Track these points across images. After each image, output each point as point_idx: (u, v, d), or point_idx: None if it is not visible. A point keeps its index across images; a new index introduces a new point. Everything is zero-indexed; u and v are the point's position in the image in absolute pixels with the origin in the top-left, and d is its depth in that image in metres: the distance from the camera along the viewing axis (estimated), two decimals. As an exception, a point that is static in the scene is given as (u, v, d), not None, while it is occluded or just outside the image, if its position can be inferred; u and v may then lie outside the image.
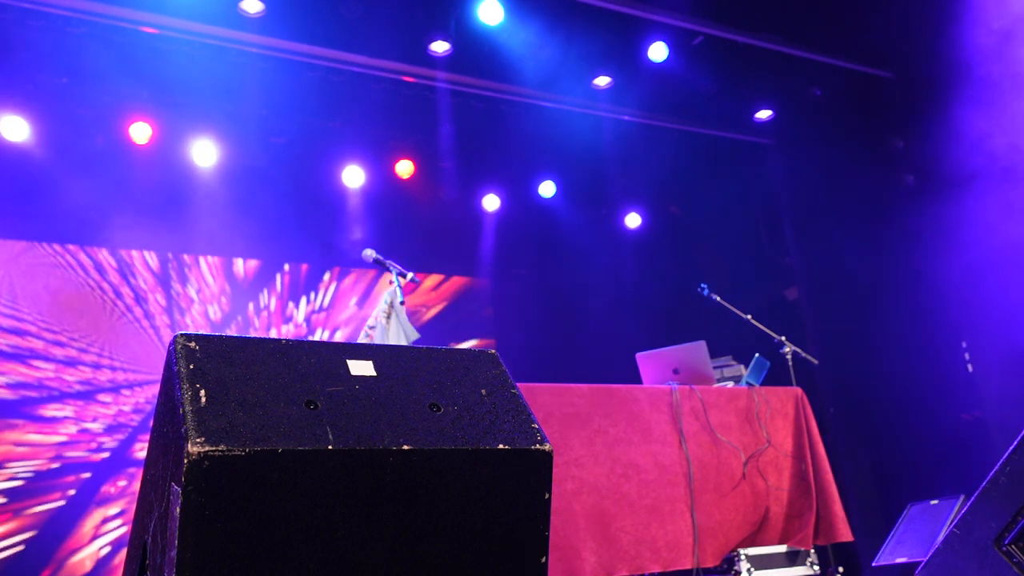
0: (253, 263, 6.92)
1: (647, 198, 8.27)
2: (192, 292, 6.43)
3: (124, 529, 5.58)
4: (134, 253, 6.35)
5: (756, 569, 4.31)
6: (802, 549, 4.50)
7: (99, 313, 5.98)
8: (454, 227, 7.90)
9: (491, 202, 7.93)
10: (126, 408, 5.90)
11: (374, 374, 1.85)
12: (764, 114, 7.45)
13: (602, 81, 6.87)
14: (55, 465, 5.52)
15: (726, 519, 4.38)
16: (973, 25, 5.97)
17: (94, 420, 5.71)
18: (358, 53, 6.35)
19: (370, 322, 4.36)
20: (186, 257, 6.48)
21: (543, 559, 1.85)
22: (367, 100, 6.70)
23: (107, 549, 5.55)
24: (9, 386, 5.52)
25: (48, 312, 5.78)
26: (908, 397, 6.39)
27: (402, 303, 4.30)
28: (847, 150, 6.92)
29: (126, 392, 5.91)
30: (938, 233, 6.48)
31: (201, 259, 6.50)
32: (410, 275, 4.41)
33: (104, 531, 5.56)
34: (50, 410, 5.60)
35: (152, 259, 6.38)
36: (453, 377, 1.94)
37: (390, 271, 4.42)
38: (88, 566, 5.48)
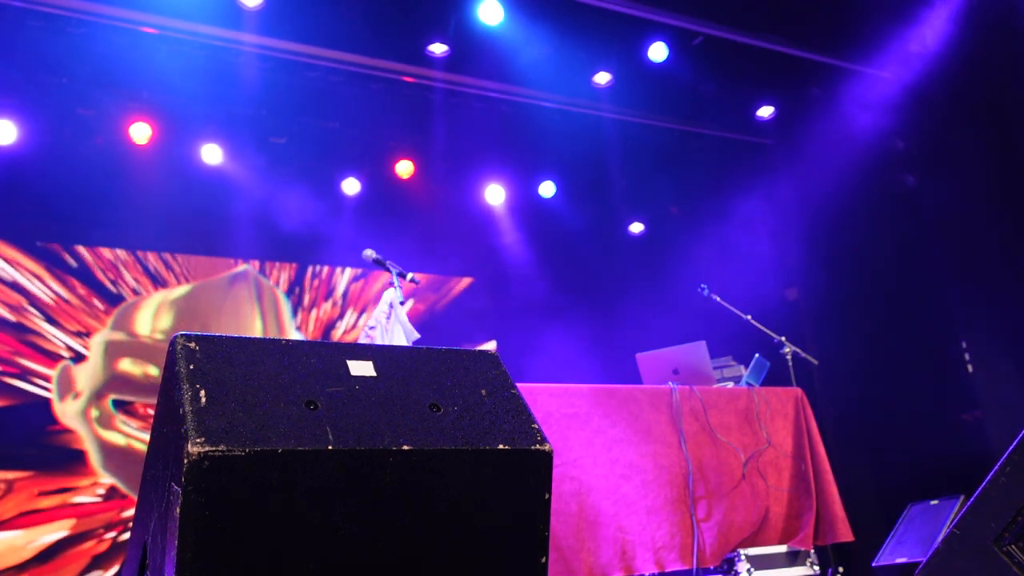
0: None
1: (647, 198, 8.27)
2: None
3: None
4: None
5: (756, 569, 4.31)
6: (802, 549, 4.50)
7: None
8: (454, 227, 7.89)
9: (491, 202, 7.92)
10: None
11: (374, 374, 1.85)
12: (764, 113, 7.45)
13: (602, 81, 6.86)
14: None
15: (726, 519, 4.37)
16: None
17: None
18: (357, 53, 6.34)
19: (370, 322, 4.35)
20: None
21: (543, 559, 1.85)
22: (367, 100, 6.70)
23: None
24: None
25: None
26: (908, 397, 6.38)
27: (402, 303, 4.30)
28: (847, 150, 6.92)
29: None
30: (938, 233, 6.49)
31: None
32: (410, 275, 4.40)
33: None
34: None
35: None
36: (453, 377, 1.94)
37: (390, 271, 4.41)
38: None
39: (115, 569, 6.15)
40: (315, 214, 7.19)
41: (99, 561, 6.14)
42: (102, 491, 6.25)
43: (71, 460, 6.25)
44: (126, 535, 6.23)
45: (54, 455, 6.18)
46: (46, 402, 6.24)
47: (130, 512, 6.28)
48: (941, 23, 6.17)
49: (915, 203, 6.69)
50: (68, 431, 6.27)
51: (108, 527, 6.22)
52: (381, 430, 1.72)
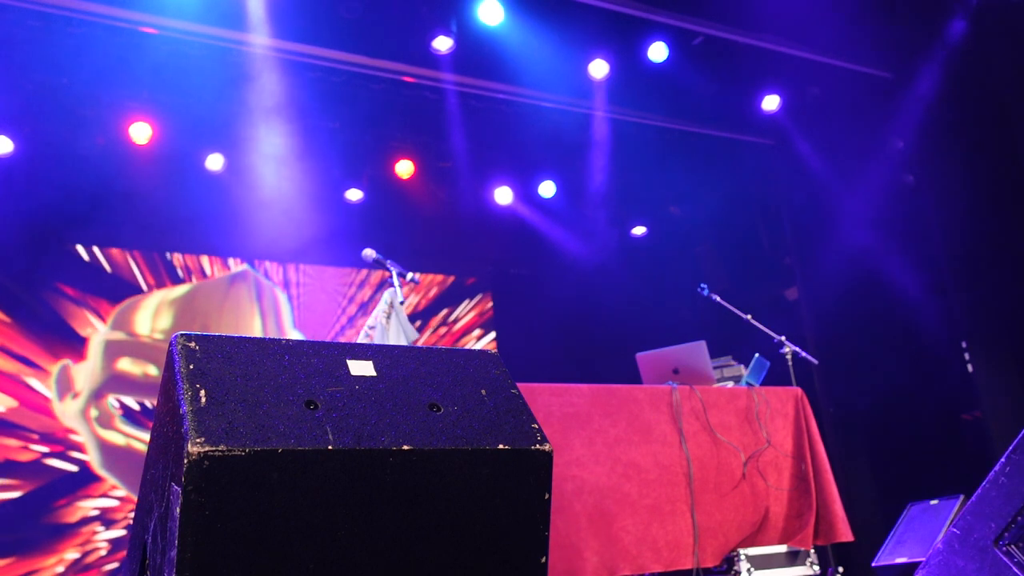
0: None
1: (647, 198, 8.27)
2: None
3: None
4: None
5: (756, 569, 4.31)
6: (802, 549, 4.49)
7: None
8: (454, 227, 7.89)
9: (491, 202, 7.92)
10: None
11: (374, 374, 1.85)
12: (765, 111, 7.45)
13: (602, 80, 6.86)
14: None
15: (726, 519, 4.37)
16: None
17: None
18: (358, 53, 6.34)
19: (370, 322, 4.35)
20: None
21: (543, 559, 1.85)
22: (367, 100, 6.70)
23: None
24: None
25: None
26: (908, 397, 6.38)
27: (402, 303, 4.30)
28: (846, 150, 6.92)
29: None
30: (938, 233, 6.48)
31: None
32: (410, 275, 4.40)
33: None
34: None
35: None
36: (453, 377, 1.94)
37: (390, 271, 4.41)
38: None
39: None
40: (315, 214, 7.19)
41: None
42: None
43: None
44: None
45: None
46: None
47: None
48: (942, 23, 6.17)
49: (915, 202, 6.68)
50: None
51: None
52: (381, 430, 1.72)
